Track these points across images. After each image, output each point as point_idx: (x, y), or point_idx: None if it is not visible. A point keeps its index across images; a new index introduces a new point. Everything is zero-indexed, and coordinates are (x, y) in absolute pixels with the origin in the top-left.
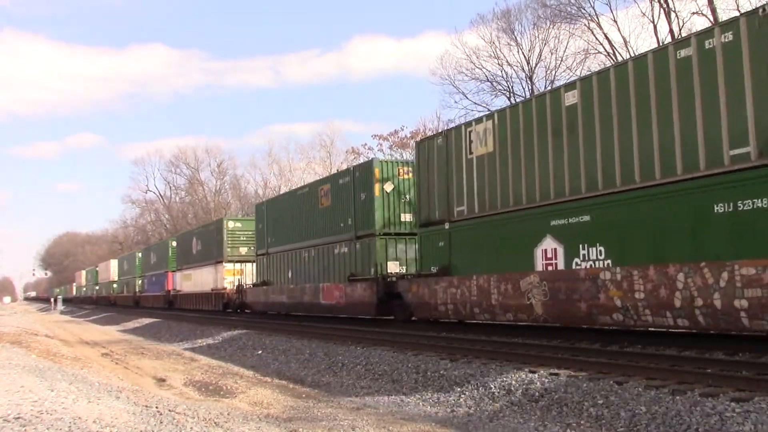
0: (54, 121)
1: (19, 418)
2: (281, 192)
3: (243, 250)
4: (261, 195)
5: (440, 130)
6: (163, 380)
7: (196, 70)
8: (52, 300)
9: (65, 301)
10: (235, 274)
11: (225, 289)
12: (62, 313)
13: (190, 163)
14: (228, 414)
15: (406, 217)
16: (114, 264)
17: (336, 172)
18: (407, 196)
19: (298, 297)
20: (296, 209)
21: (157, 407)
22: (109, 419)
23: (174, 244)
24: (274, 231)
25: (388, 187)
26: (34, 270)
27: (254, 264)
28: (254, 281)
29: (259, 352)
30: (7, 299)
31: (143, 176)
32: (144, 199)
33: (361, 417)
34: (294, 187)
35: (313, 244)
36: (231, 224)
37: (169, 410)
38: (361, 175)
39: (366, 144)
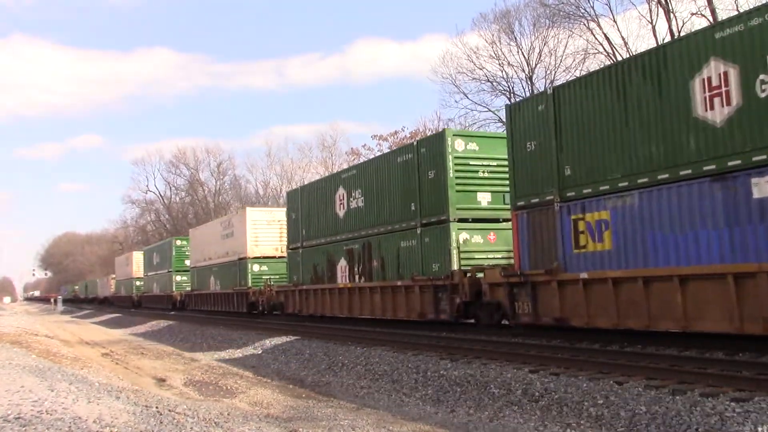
0: (58, 122)
1: (19, 418)
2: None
3: None
4: (261, 195)
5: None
6: (163, 380)
7: (201, 73)
8: (52, 300)
9: (89, 302)
10: None
11: None
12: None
13: (190, 164)
14: (228, 414)
15: None
16: (253, 215)
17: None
18: None
19: None
20: None
21: (157, 407)
22: (109, 419)
23: None
24: None
25: None
26: (33, 270)
27: None
28: None
29: (259, 352)
30: (7, 299)
31: (143, 176)
32: (144, 199)
33: (361, 417)
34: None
35: None
36: None
37: (169, 410)
38: None
39: (366, 144)
